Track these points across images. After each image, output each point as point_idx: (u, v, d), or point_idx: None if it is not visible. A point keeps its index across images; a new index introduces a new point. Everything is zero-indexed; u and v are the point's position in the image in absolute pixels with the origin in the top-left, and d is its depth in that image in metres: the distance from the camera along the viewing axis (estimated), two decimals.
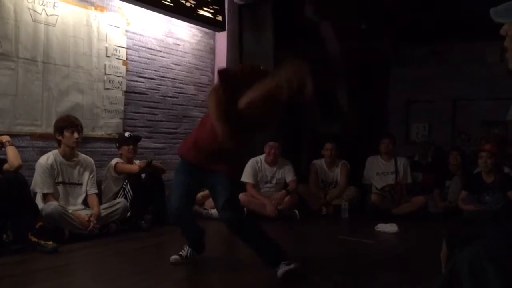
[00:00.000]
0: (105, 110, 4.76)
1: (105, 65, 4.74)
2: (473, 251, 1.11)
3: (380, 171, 5.63)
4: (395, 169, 5.56)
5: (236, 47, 6.00)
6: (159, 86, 5.38)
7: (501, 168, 4.71)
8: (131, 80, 5.04)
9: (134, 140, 4.55)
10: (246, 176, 5.14)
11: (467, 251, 1.12)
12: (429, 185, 5.73)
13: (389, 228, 4.40)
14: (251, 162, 5.19)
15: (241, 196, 4.72)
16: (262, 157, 5.29)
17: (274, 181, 5.27)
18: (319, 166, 5.72)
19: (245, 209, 4.74)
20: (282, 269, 2.63)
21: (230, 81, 2.68)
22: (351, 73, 7.25)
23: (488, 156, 4.61)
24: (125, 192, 4.34)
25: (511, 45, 1.14)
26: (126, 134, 4.56)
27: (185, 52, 5.73)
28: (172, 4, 5.16)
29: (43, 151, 3.99)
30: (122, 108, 4.93)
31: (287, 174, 5.28)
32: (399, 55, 7.77)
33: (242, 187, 4.98)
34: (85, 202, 3.99)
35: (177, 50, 5.62)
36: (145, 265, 3.11)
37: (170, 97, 5.53)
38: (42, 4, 4.18)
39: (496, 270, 1.05)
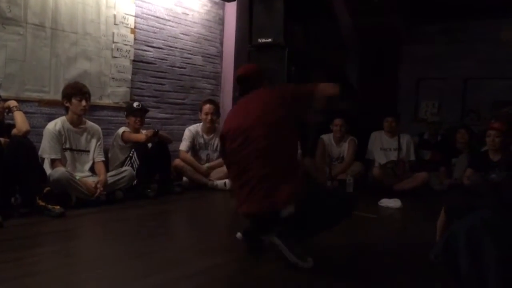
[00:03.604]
0: (113, 78, 4.76)
1: (113, 33, 4.72)
2: (471, 221, 1.12)
3: (383, 146, 5.65)
4: (398, 146, 5.56)
5: (245, 18, 5.93)
6: (167, 56, 5.36)
7: (508, 147, 4.68)
8: (139, 49, 5.02)
9: (142, 112, 4.56)
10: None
11: (465, 221, 1.13)
12: (436, 163, 5.73)
13: (393, 203, 4.42)
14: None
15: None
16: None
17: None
18: (327, 141, 5.73)
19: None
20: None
21: None
22: (362, 49, 7.16)
23: (496, 134, 4.56)
24: (132, 160, 4.38)
25: None
26: (135, 104, 4.56)
27: (194, 22, 5.68)
28: None
29: (51, 118, 4.02)
30: (130, 77, 4.93)
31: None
32: (411, 32, 7.63)
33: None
34: (92, 169, 4.04)
35: (186, 20, 5.57)
36: (150, 231, 3.16)
37: (178, 67, 5.51)
38: None
39: (493, 240, 1.06)
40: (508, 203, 1.16)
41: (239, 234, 2.61)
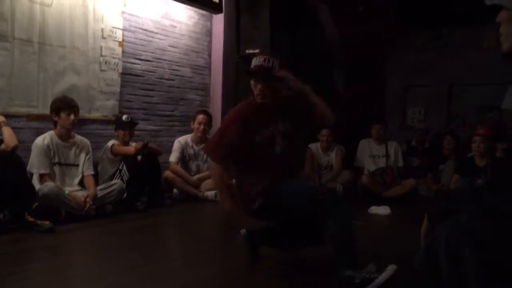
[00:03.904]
0: (101, 91, 4.77)
1: (101, 46, 4.74)
2: (451, 226, 1.16)
3: (372, 153, 5.71)
4: (386, 153, 5.63)
5: (233, 29, 5.99)
6: (155, 68, 5.38)
7: (494, 152, 4.76)
8: (128, 62, 5.04)
9: (131, 124, 4.57)
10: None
11: (445, 226, 1.16)
12: (424, 169, 5.81)
13: (382, 210, 4.47)
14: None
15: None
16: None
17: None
18: (314, 150, 5.78)
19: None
20: None
21: None
22: (349, 57, 7.26)
23: (481, 140, 4.65)
24: (121, 173, 4.38)
25: (506, 30, 1.18)
26: (124, 117, 4.57)
27: (182, 34, 5.72)
28: None
29: (39, 132, 4.01)
30: (118, 90, 4.94)
31: None
32: (396, 40, 7.75)
33: None
34: (82, 183, 4.03)
35: (173, 32, 5.61)
36: (141, 244, 3.16)
37: (167, 79, 5.53)
38: None
39: (472, 245, 1.10)
40: (487, 208, 1.20)
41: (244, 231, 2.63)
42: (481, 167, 4.65)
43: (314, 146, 5.79)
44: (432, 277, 1.17)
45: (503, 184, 1.02)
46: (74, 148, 4.01)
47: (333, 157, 5.76)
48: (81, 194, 3.84)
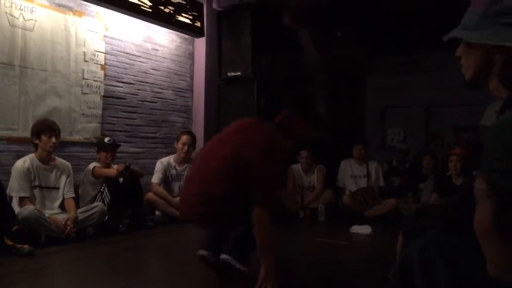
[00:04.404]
0: (83, 114, 4.78)
1: (83, 69, 4.76)
2: (423, 241, 1.21)
3: (353, 174, 5.79)
4: (367, 173, 5.71)
5: (214, 53, 6.08)
6: (137, 91, 5.42)
7: (470, 171, 4.88)
8: (110, 85, 5.07)
9: (113, 147, 4.58)
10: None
11: (418, 242, 1.22)
12: (405, 189, 5.90)
13: (363, 229, 4.52)
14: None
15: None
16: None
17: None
18: (296, 171, 5.83)
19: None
20: None
21: None
22: (328, 80, 7.40)
23: (458, 159, 4.77)
24: (103, 196, 4.36)
25: (465, 62, 1.26)
26: (106, 139, 4.58)
27: (164, 58, 5.78)
28: (150, 10, 5.21)
29: (19, 155, 3.99)
30: (100, 112, 4.95)
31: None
32: (374, 63, 7.95)
33: None
34: (62, 206, 4.00)
35: (155, 55, 5.67)
36: (122, 267, 3.14)
37: (149, 102, 5.57)
38: (20, 9, 4.19)
39: (442, 259, 1.15)
40: (454, 223, 1.25)
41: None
42: (458, 186, 4.76)
43: (296, 167, 5.85)
44: None
45: (471, 200, 1.08)
46: (54, 171, 3.99)
47: (314, 177, 5.82)
48: (61, 217, 3.81)
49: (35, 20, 4.32)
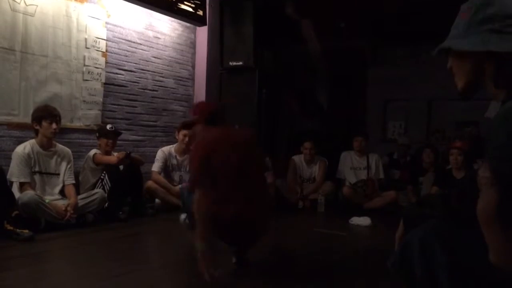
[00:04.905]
0: (84, 101, 4.76)
1: (84, 56, 4.74)
2: (423, 230, 1.20)
3: (353, 166, 5.79)
4: (367, 165, 5.71)
5: (216, 42, 6.05)
6: (139, 78, 5.40)
7: (471, 164, 4.87)
8: (111, 72, 5.05)
9: (115, 134, 4.57)
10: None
11: (418, 230, 1.21)
12: (405, 182, 5.90)
13: (362, 221, 4.53)
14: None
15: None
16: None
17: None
18: (298, 162, 5.83)
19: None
20: None
21: None
22: (330, 72, 7.37)
23: (459, 153, 4.76)
24: (103, 183, 4.36)
25: (456, 71, 1.26)
26: (108, 126, 4.57)
27: (166, 46, 5.76)
28: None
29: (20, 141, 3.98)
30: (101, 99, 4.94)
31: None
32: (377, 55, 7.92)
33: None
34: (62, 192, 4.00)
35: (157, 44, 5.64)
36: (121, 253, 3.15)
37: (150, 90, 5.55)
38: None
39: (442, 247, 1.15)
40: (455, 212, 1.25)
41: None
42: (459, 179, 4.75)
43: (297, 158, 5.85)
44: (406, 278, 1.21)
45: (473, 191, 1.08)
46: (55, 157, 3.99)
47: (316, 169, 5.82)
48: (61, 203, 3.81)
49: (37, 5, 4.29)
